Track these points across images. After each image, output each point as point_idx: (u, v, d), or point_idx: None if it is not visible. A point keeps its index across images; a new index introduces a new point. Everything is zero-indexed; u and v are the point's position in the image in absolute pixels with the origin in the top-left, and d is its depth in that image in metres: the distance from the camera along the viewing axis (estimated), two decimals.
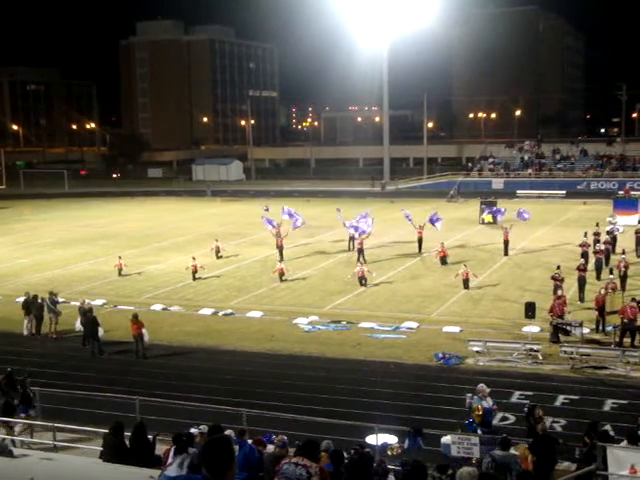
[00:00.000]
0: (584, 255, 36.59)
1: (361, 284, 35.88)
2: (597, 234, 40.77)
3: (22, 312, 29.80)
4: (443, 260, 40.18)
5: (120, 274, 39.81)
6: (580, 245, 38.13)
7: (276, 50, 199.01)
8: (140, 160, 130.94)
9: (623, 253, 36.61)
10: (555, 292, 29.62)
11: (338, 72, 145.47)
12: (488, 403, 17.73)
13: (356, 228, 42.44)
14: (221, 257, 43.84)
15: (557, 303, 26.88)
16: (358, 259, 40.38)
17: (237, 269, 41.47)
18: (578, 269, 32.77)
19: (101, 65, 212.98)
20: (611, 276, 31.33)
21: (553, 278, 31.13)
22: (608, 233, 42.01)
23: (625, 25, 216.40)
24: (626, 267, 33.56)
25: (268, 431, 16.53)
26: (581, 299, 31.62)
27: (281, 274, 37.71)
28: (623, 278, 33.08)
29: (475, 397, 17.91)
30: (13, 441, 15.97)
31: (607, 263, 36.65)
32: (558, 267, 32.26)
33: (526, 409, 17.72)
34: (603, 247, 38.11)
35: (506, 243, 42.48)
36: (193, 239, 51.93)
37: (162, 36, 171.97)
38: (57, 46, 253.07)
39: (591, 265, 35.99)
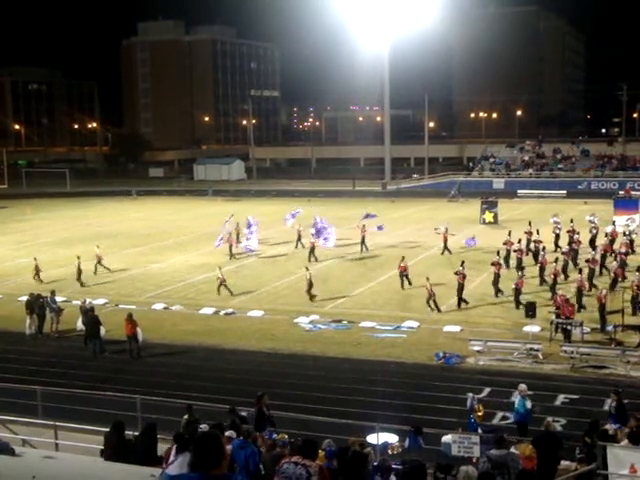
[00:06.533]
0: (507, 253, 38.50)
1: (309, 289, 33.79)
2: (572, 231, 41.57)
3: (24, 311, 29.79)
4: (403, 275, 35.61)
5: (36, 276, 38.43)
6: (504, 243, 39.27)
7: (277, 50, 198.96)
8: (142, 160, 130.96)
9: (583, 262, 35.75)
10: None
11: (339, 72, 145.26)
12: (529, 403, 17.88)
13: (319, 233, 42.86)
14: (108, 268, 40.55)
15: (566, 305, 26.92)
16: (309, 259, 41.41)
17: (239, 268, 41.51)
18: (492, 264, 34.01)
19: (103, 65, 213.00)
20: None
21: (456, 273, 32.27)
22: (625, 235, 41.90)
23: (626, 26, 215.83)
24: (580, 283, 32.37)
25: (269, 430, 16.55)
26: (497, 294, 33.23)
27: (222, 284, 35.01)
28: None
29: (518, 396, 18.09)
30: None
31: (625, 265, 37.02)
32: (462, 263, 33.02)
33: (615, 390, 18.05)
34: (624, 250, 38.11)
35: (445, 242, 43.52)
36: (194, 238, 51.99)
37: (163, 36, 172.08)
38: (59, 46, 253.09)
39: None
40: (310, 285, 33.65)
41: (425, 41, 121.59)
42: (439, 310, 31.09)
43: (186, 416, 16.52)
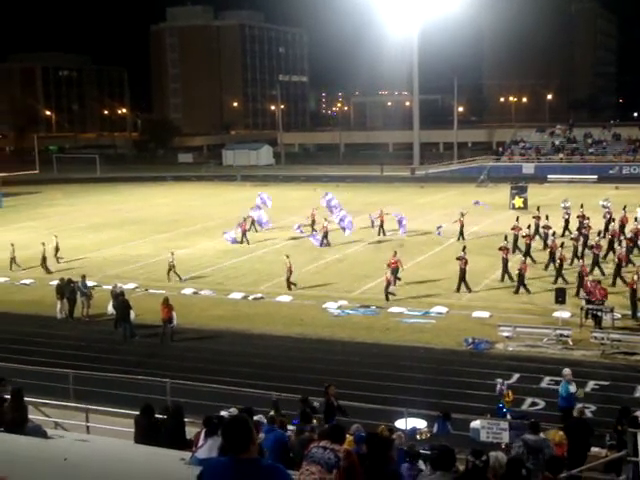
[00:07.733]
0: (515, 238, 38.36)
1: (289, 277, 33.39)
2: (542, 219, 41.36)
3: (55, 295, 30.11)
4: (394, 271, 32.56)
5: (13, 264, 38.64)
6: (512, 229, 39.06)
7: (306, 35, 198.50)
8: (171, 145, 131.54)
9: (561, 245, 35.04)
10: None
11: (368, 57, 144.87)
12: (574, 387, 17.80)
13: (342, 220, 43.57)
14: (61, 258, 40.33)
15: (597, 288, 26.67)
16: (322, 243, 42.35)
17: (266, 253, 41.62)
18: (500, 249, 33.85)
19: (132, 51, 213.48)
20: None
21: (458, 259, 32.33)
22: (636, 220, 41.50)
23: None
24: (562, 259, 33.34)
25: (297, 415, 16.58)
26: (503, 278, 33.30)
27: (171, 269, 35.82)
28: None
29: (563, 381, 18.04)
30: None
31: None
32: (464, 249, 33.19)
33: None
34: (630, 235, 37.91)
35: (461, 227, 43.39)
36: (223, 223, 52.09)
37: (192, 21, 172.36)
38: (89, 32, 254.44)
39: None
40: (289, 273, 33.26)
41: (454, 25, 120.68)
42: (390, 296, 30.85)
43: (272, 412, 15.46)
